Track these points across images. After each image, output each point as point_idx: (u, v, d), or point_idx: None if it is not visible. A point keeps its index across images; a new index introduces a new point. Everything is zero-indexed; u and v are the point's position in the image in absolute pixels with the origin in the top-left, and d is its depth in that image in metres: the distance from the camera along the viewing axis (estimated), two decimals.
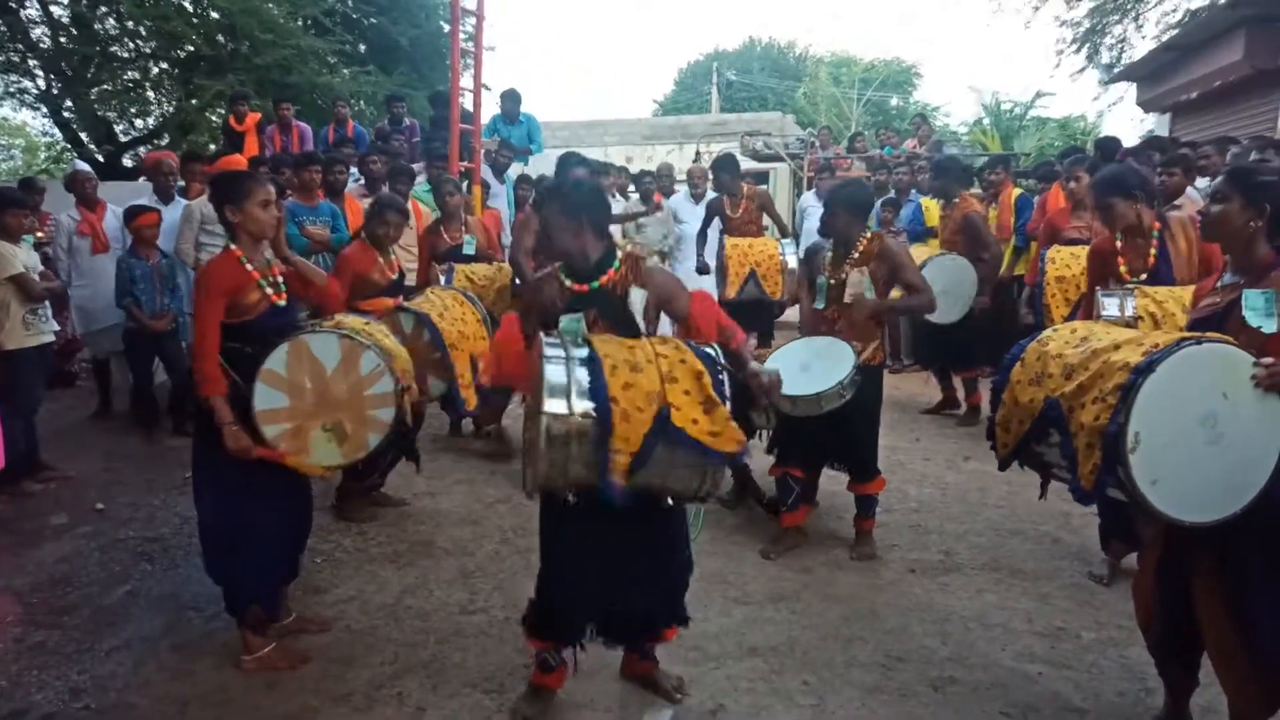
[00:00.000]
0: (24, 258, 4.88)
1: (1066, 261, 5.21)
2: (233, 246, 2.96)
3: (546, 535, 2.69)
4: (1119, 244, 3.79)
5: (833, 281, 3.89)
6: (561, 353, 2.37)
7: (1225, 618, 2.31)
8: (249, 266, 2.93)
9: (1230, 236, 2.35)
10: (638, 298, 2.60)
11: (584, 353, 2.38)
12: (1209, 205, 2.42)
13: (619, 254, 2.66)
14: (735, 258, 6.41)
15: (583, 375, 2.32)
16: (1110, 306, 3.84)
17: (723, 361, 2.43)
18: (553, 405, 2.27)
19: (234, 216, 2.96)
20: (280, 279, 3.04)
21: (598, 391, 2.29)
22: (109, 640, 3.29)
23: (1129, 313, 3.67)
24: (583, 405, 2.29)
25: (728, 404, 2.36)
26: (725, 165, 6.77)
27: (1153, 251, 3.69)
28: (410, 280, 5.12)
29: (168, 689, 2.97)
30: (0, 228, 4.75)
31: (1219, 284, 2.43)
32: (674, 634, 2.86)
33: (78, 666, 3.11)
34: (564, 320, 2.50)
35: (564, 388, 2.30)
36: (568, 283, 2.65)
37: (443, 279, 5.25)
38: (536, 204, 5.20)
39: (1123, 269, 3.77)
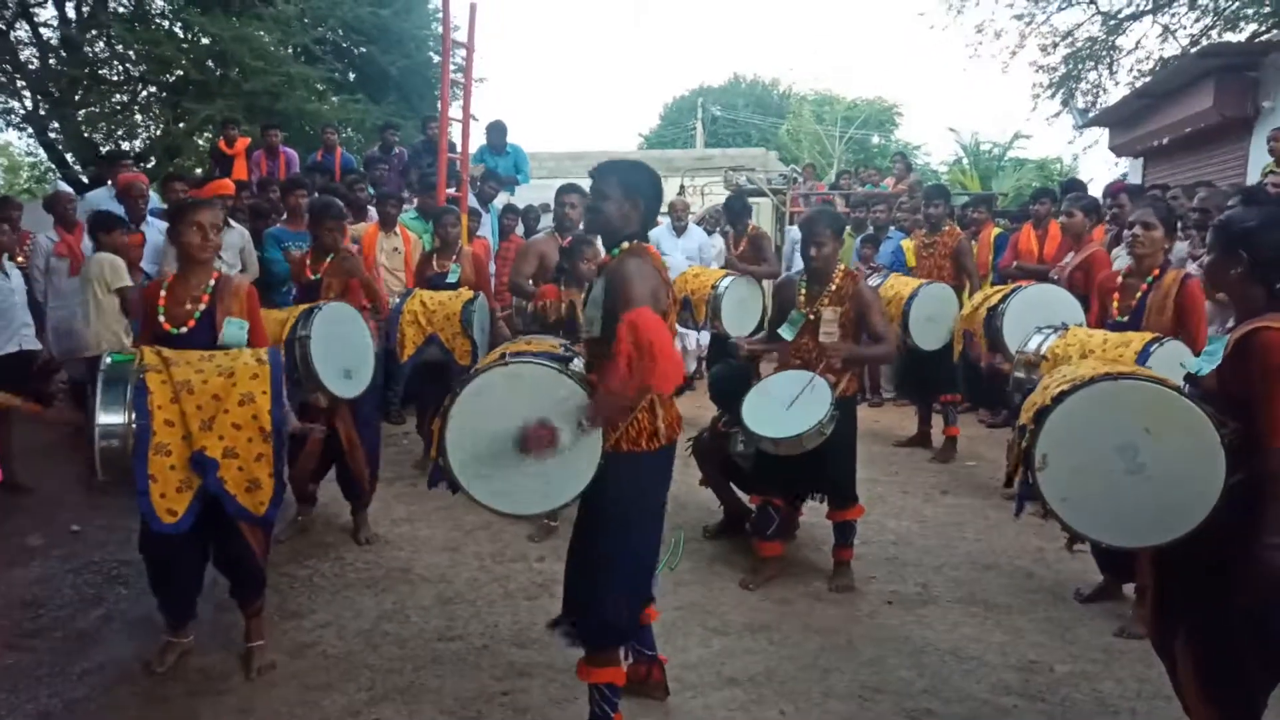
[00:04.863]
0: None
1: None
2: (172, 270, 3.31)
3: None
4: (1119, 281, 3.88)
5: (811, 317, 3.96)
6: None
7: (1192, 681, 2.33)
8: (162, 291, 3.21)
9: (1223, 285, 2.40)
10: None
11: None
12: (1205, 256, 2.49)
13: (623, 245, 2.66)
14: (678, 283, 6.43)
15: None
16: (1032, 341, 3.98)
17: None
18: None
19: (172, 241, 3.28)
20: (200, 307, 3.20)
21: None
22: (81, 663, 3.25)
23: (1043, 350, 3.80)
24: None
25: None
26: (736, 203, 7.52)
27: (1138, 296, 3.78)
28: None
29: (140, 713, 2.95)
30: None
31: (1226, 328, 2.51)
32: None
33: (49, 689, 3.08)
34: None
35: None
36: None
37: (395, 300, 5.46)
38: (565, 215, 5.21)
39: (1114, 305, 3.86)
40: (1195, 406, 2.25)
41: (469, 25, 7.85)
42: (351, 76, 16.38)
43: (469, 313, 5.18)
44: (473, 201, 7.70)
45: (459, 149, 7.69)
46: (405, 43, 16.16)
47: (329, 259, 4.43)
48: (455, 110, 7.75)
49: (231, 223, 5.87)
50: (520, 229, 7.98)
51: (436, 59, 15.27)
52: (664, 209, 8.29)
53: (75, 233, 6.32)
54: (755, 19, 78.43)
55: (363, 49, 15.95)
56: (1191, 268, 5.02)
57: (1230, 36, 13.86)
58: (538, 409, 2.49)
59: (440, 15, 9.30)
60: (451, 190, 7.37)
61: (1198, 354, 3.54)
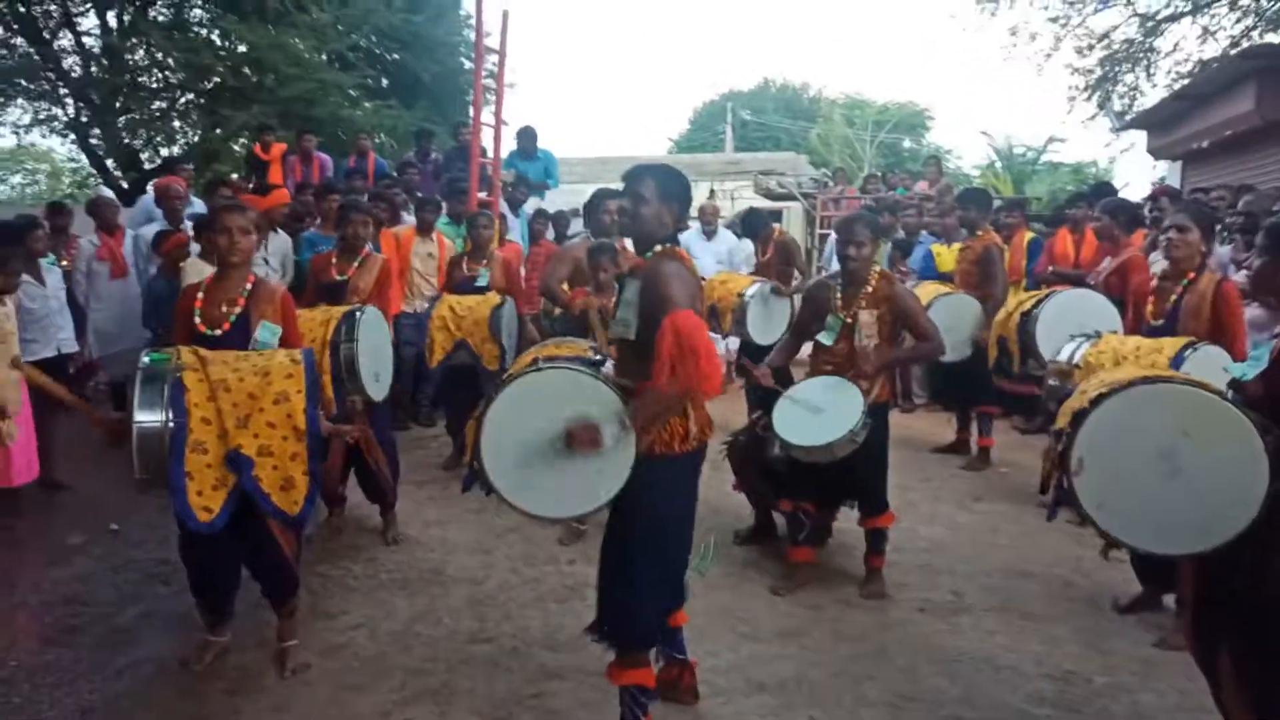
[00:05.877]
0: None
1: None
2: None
3: None
4: (1154, 284, 3.82)
5: (849, 320, 3.91)
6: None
7: (1235, 691, 2.29)
8: (199, 294, 3.26)
9: (1275, 289, 2.39)
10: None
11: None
12: (1255, 259, 2.45)
13: (656, 249, 2.67)
14: (705, 289, 6.42)
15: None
16: (1065, 350, 3.92)
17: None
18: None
19: (207, 245, 3.43)
20: (236, 310, 3.24)
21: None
22: (120, 659, 3.31)
23: (1076, 359, 3.74)
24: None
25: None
26: (755, 220, 7.46)
27: (1173, 299, 3.71)
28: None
29: (178, 708, 2.99)
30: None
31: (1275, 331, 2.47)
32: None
33: (89, 685, 3.13)
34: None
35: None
36: None
37: (426, 304, 5.58)
38: (600, 218, 5.18)
39: (1149, 310, 3.80)
40: (1238, 411, 2.21)
41: (501, 31, 7.91)
42: (384, 83, 16.60)
43: (497, 318, 5.21)
44: (503, 207, 7.76)
45: (490, 154, 7.75)
46: (437, 49, 16.34)
47: (356, 263, 4.43)
48: (487, 115, 7.80)
49: (277, 230, 5.97)
50: (550, 234, 8.01)
51: (468, 65, 15.43)
52: (694, 213, 8.35)
53: (116, 236, 6.46)
54: (785, 23, 78.31)
55: (395, 55, 16.17)
56: (1235, 274, 4.92)
57: (1271, 37, 13.61)
58: (571, 412, 2.51)
59: (472, 21, 9.39)
60: (483, 195, 7.42)
61: (1238, 359, 3.47)
